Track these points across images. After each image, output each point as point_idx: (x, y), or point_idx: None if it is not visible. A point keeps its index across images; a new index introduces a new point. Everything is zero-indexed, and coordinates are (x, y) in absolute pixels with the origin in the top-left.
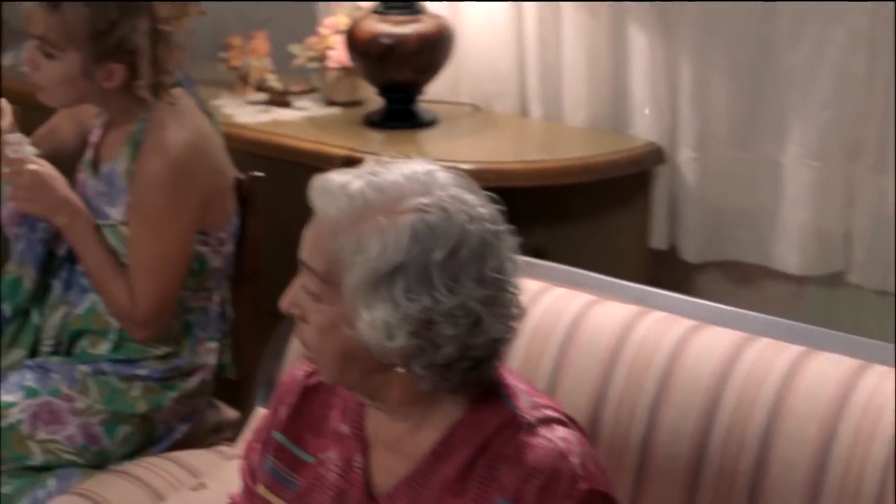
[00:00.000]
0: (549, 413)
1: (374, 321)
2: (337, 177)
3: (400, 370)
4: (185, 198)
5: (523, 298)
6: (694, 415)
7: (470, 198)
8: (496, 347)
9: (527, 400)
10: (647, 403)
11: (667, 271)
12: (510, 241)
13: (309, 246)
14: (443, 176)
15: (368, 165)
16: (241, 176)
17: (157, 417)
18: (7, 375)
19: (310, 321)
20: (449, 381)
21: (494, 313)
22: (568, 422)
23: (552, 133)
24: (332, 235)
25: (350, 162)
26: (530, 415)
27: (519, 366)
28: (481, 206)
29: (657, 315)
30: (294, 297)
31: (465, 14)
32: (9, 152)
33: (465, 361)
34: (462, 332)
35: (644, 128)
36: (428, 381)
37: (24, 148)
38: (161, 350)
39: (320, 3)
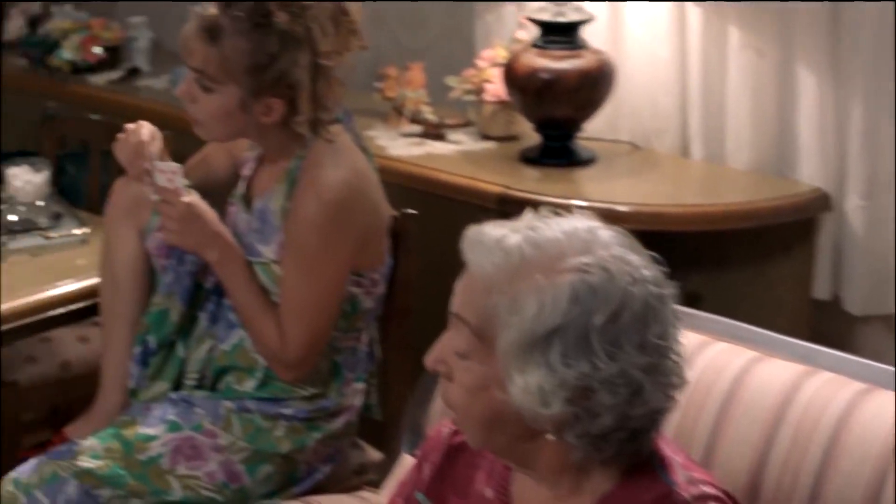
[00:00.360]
0: (707, 489)
1: (527, 386)
2: (493, 230)
3: (550, 438)
4: (340, 239)
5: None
6: (862, 484)
7: (633, 258)
8: (655, 418)
9: (683, 474)
10: (812, 470)
11: (828, 322)
12: (674, 305)
13: (460, 300)
14: (605, 234)
15: (526, 219)
16: (395, 213)
17: (299, 458)
18: (150, 408)
19: (456, 380)
20: (603, 451)
21: (656, 382)
22: (726, 499)
23: (713, 175)
24: (486, 292)
25: (504, 200)
26: (687, 491)
27: (675, 425)
28: (645, 268)
29: (825, 376)
30: (440, 354)
31: (626, 49)
32: (161, 181)
33: (622, 432)
34: (621, 401)
35: (810, 172)
36: (581, 450)
37: (177, 178)
38: (308, 391)
39: (478, 35)
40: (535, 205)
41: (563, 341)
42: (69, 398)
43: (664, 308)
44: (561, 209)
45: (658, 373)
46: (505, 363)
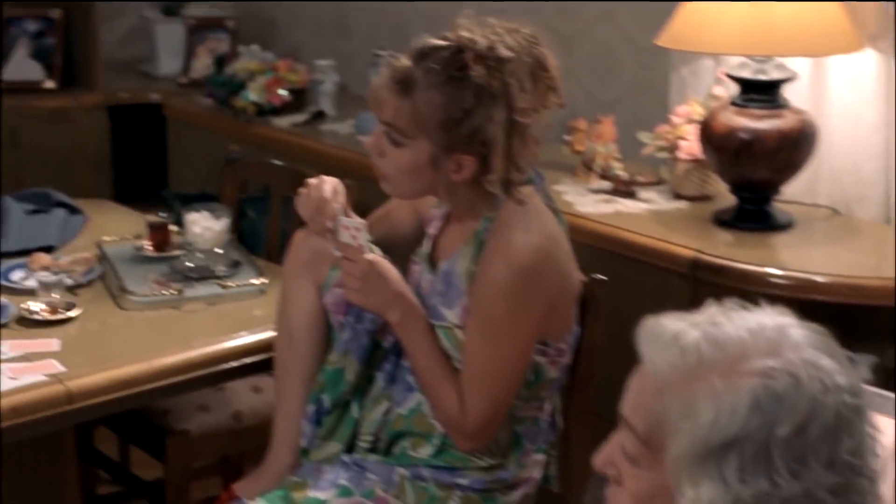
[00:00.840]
0: None
1: (698, 501)
2: (671, 323)
3: None
4: (528, 306)
5: (885, 442)
6: None
7: (826, 363)
8: None
9: None
10: None
11: None
12: (871, 417)
13: (631, 400)
14: (797, 333)
15: (709, 312)
16: (583, 278)
17: None
18: (322, 471)
19: (625, 485)
20: None
21: (845, 503)
22: None
23: None
24: (658, 393)
25: (697, 264)
26: None
27: None
28: (840, 374)
29: None
30: (610, 456)
31: (829, 110)
32: (344, 238)
33: None
34: None
35: None
36: None
37: (360, 235)
38: (486, 461)
39: (673, 89)
40: (729, 271)
41: (740, 454)
42: (240, 448)
43: (860, 421)
44: (750, 302)
45: (849, 492)
46: (675, 473)
